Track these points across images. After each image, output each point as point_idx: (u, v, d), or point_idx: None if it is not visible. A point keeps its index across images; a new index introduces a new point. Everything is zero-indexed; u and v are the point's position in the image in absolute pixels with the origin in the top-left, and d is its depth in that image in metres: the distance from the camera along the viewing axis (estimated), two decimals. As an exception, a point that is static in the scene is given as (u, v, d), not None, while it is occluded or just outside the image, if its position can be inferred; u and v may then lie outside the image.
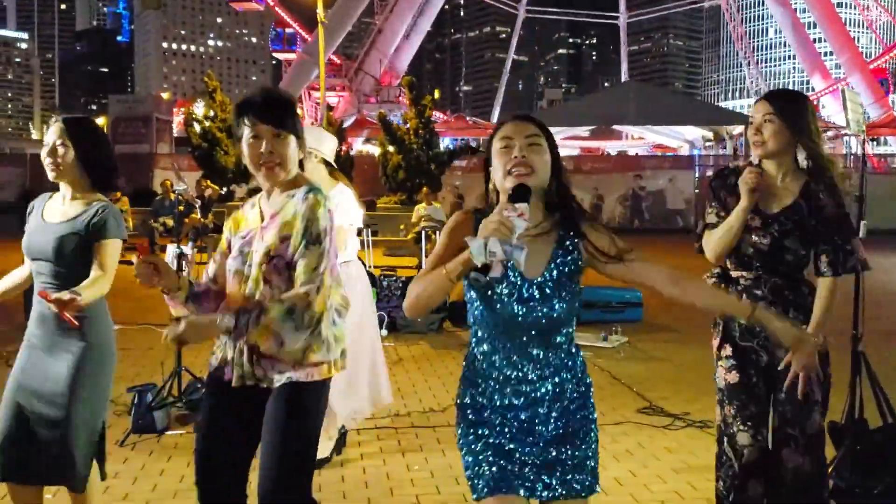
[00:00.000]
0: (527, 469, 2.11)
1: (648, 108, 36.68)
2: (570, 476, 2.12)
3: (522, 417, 2.12)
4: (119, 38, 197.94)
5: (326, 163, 4.24)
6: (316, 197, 2.38)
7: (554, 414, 2.13)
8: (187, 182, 9.76)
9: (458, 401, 2.22)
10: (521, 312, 2.07)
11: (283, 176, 2.42)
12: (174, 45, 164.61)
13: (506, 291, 2.07)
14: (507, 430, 2.12)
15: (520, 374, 2.11)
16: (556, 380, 2.13)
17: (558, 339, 2.13)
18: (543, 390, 2.11)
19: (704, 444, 4.52)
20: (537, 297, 2.07)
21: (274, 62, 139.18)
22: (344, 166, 20.40)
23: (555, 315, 2.08)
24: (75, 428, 2.88)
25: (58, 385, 2.85)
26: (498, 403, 2.13)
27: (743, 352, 2.85)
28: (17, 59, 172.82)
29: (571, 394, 2.16)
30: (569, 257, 2.10)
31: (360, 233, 4.64)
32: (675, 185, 27.49)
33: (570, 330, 2.18)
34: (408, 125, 23.14)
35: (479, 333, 2.16)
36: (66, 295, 2.66)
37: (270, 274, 2.37)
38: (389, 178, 23.12)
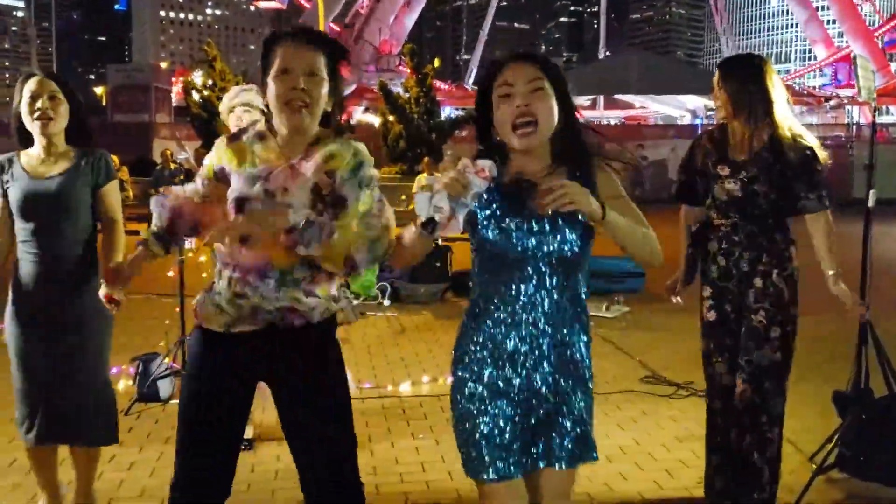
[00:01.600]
0: (524, 439, 2.01)
1: (650, 76, 36.44)
2: (568, 441, 2.02)
3: (523, 375, 2.00)
4: (116, 6, 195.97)
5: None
6: (360, 146, 2.17)
7: (554, 370, 2.01)
8: (189, 151, 9.70)
9: (455, 369, 2.11)
10: (532, 245, 1.95)
11: (308, 123, 2.09)
12: (171, 14, 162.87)
13: (513, 225, 1.95)
14: (507, 397, 2.01)
15: (528, 319, 1.98)
16: (564, 330, 2.01)
17: (571, 281, 1.99)
18: (549, 340, 2.00)
19: (696, 408, 4.53)
20: (548, 229, 1.94)
21: (272, 30, 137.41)
22: (344, 131, 20.18)
23: (567, 248, 1.94)
24: (85, 385, 2.93)
25: (63, 346, 2.88)
26: (498, 358, 2.01)
27: (720, 291, 3.12)
28: (14, 28, 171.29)
29: (576, 350, 2.04)
30: None
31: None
32: (677, 154, 27.26)
33: (581, 277, 2.03)
34: (409, 94, 22.97)
35: (481, 268, 2.05)
36: (114, 273, 2.58)
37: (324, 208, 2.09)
38: (390, 147, 23.01)
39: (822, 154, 2.99)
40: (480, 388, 2.02)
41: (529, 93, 1.91)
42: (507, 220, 1.96)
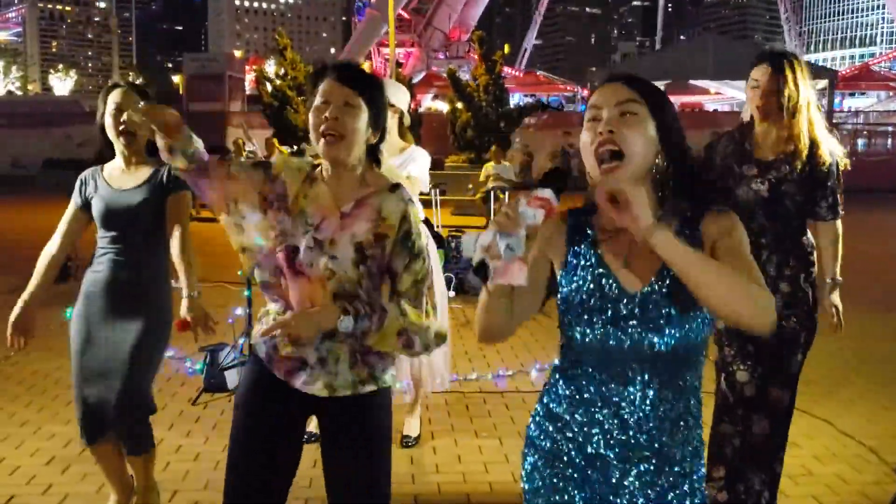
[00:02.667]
0: None
1: (727, 61, 35.36)
2: None
3: (611, 477, 1.60)
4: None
5: (400, 119, 4.03)
6: (414, 208, 2.13)
7: (647, 479, 1.59)
8: (256, 143, 9.82)
9: (531, 437, 1.71)
10: (615, 337, 1.54)
11: (344, 155, 2.06)
12: (246, 3, 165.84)
13: (596, 305, 1.55)
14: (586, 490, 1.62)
15: (615, 419, 1.57)
16: (664, 439, 1.57)
17: (676, 379, 1.56)
18: (643, 448, 1.57)
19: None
20: (639, 316, 1.53)
21: (344, 18, 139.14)
22: (413, 124, 20.13)
23: (664, 344, 1.52)
24: (137, 392, 2.97)
25: (121, 352, 2.93)
26: (584, 451, 1.61)
27: None
28: (97, 19, 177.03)
29: (677, 463, 1.60)
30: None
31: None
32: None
33: (694, 374, 1.59)
34: (477, 81, 22.83)
35: (566, 355, 1.65)
36: (204, 320, 2.90)
37: (363, 277, 2.07)
38: (458, 136, 22.91)
39: (845, 161, 2.97)
40: (566, 463, 1.64)
41: (618, 117, 1.55)
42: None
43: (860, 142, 26.81)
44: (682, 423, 1.59)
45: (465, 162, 22.54)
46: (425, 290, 2.11)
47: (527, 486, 1.67)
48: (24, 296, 2.91)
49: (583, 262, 1.61)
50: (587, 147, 1.59)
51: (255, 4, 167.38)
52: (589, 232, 1.65)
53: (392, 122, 3.90)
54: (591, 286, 1.58)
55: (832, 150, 2.92)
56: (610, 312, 1.55)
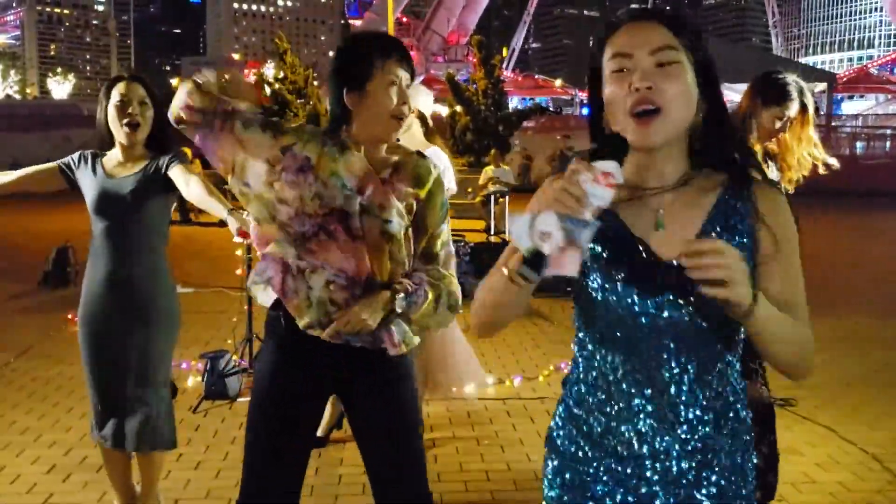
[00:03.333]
0: None
1: (725, 64, 35.40)
2: None
3: (649, 476, 1.38)
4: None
5: (422, 121, 4.04)
6: (438, 170, 2.19)
7: (691, 478, 1.37)
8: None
9: (552, 440, 1.50)
10: (646, 311, 1.32)
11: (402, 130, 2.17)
12: (244, 6, 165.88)
13: (622, 275, 1.33)
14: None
15: (648, 407, 1.35)
16: (706, 430, 1.36)
17: (712, 363, 1.35)
18: (681, 444, 1.36)
19: (785, 423, 4.34)
20: (676, 286, 1.28)
21: (342, 21, 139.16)
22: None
23: (702, 320, 1.31)
24: (153, 390, 2.96)
25: (133, 351, 2.92)
26: (615, 452, 1.39)
27: None
28: (95, 22, 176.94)
29: (723, 457, 1.38)
30: (732, 235, 1.32)
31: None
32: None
33: (734, 355, 1.39)
34: (476, 85, 22.86)
35: (588, 338, 1.42)
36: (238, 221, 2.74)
37: (407, 240, 2.13)
38: (457, 139, 22.94)
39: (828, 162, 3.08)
40: (591, 468, 1.43)
41: (654, 67, 1.30)
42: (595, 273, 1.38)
43: (859, 145, 26.78)
44: (729, 413, 1.39)
45: (464, 165, 22.55)
46: (452, 251, 2.23)
47: (550, 494, 1.49)
48: None
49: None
50: (618, 103, 1.31)
51: (254, 7, 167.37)
52: None
53: (415, 126, 3.97)
54: (613, 254, 1.35)
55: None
56: (640, 283, 1.32)
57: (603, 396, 1.40)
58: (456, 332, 4.28)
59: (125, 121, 2.86)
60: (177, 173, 2.89)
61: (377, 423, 2.19)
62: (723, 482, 1.38)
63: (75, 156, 3.01)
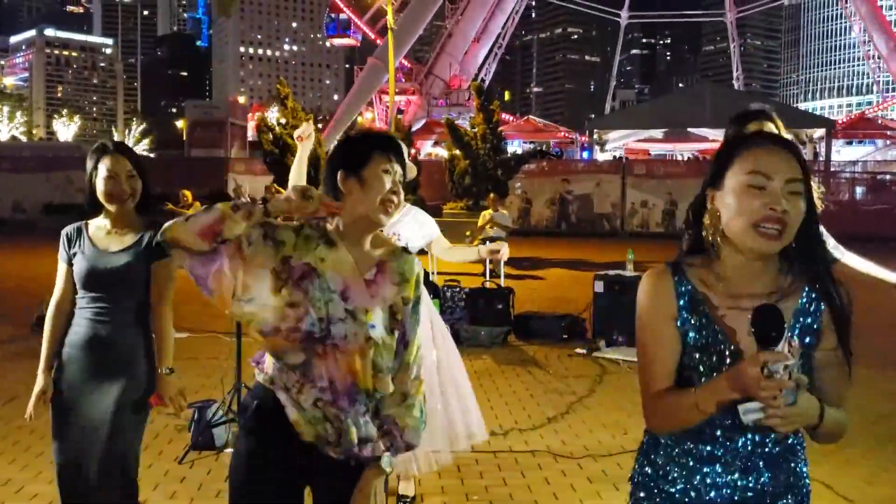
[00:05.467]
0: None
1: (725, 109, 35.74)
2: None
3: None
4: (198, 42, 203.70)
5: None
6: (420, 270, 2.18)
7: None
8: (247, 198, 9.85)
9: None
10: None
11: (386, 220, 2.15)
12: (251, 50, 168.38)
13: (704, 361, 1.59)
14: None
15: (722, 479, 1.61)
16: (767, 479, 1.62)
17: (781, 449, 1.62)
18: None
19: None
20: None
21: (347, 65, 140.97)
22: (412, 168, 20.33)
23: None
24: (120, 457, 2.89)
25: (104, 416, 2.85)
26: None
27: None
28: (102, 64, 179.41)
29: None
30: (809, 320, 1.59)
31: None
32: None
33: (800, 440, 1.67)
34: (475, 130, 23.02)
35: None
36: (177, 400, 2.90)
37: (393, 343, 2.11)
38: (456, 183, 23.03)
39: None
40: None
41: (787, 195, 1.54)
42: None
43: (859, 190, 26.87)
44: (788, 463, 1.64)
45: (463, 209, 22.60)
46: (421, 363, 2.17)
47: None
48: (42, 365, 2.91)
49: (695, 328, 1.60)
50: (749, 213, 1.54)
51: (260, 52, 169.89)
52: (697, 292, 1.62)
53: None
54: (707, 357, 1.59)
55: None
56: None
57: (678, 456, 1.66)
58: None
59: (115, 195, 2.89)
60: (156, 274, 2.94)
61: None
62: None
63: (62, 242, 2.99)
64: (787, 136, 2.98)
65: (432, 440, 3.92)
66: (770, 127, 2.89)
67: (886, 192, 26.27)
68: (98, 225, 2.98)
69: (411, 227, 3.99)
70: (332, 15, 57.63)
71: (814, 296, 1.59)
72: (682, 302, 1.60)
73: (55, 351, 2.93)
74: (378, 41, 53.19)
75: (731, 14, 70.37)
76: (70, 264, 2.96)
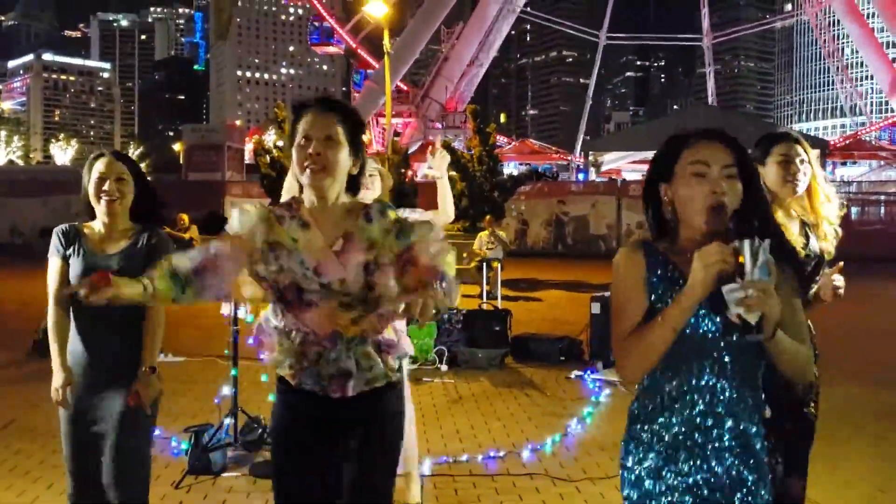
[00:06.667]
0: None
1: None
2: None
3: (704, 467, 1.85)
4: (196, 66, 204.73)
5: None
6: (393, 210, 2.28)
7: (738, 462, 1.86)
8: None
9: (625, 464, 2.00)
10: (713, 329, 1.82)
11: (329, 183, 2.22)
12: (248, 73, 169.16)
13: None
14: (691, 493, 1.86)
15: (708, 409, 1.85)
16: (743, 423, 1.86)
17: (751, 370, 1.87)
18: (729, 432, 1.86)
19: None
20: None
21: (344, 88, 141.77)
22: (409, 193, 20.48)
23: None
24: (129, 470, 2.91)
25: (112, 428, 2.88)
26: (675, 449, 1.87)
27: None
28: (100, 88, 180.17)
29: (757, 444, 1.88)
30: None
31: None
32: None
33: (761, 366, 1.90)
34: (472, 152, 23.16)
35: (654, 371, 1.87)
36: (145, 389, 2.87)
37: (377, 281, 2.23)
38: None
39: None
40: (660, 484, 1.88)
41: (724, 178, 1.85)
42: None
43: (853, 210, 26.98)
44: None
45: (459, 230, 22.66)
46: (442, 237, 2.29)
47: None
48: (58, 361, 2.94)
49: (663, 279, 1.87)
50: (697, 197, 1.85)
51: (257, 75, 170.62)
52: (665, 257, 1.90)
53: (378, 187, 4.06)
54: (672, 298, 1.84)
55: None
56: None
57: (667, 398, 1.89)
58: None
59: (103, 197, 2.91)
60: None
61: (360, 459, 2.36)
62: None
63: (56, 239, 2.99)
64: (812, 154, 2.99)
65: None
66: (797, 149, 2.95)
67: (881, 212, 26.37)
68: (92, 227, 3.00)
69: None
70: (316, 23, 58.11)
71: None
72: (651, 262, 1.88)
73: (65, 350, 2.95)
74: (375, 65, 53.50)
75: (707, 39, 71.05)
76: (65, 260, 2.95)
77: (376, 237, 2.23)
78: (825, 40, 72.81)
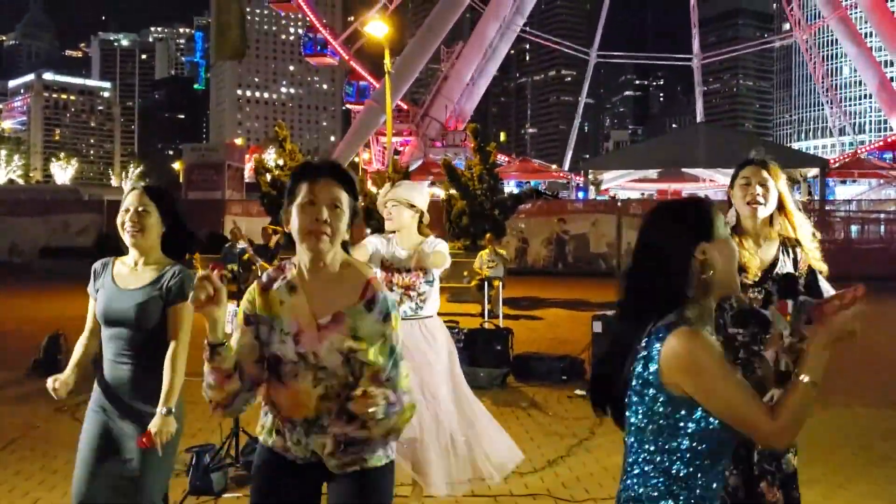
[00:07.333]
0: None
1: (718, 150, 36.06)
2: None
3: None
4: (196, 86, 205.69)
5: (420, 215, 4.23)
6: (397, 315, 2.24)
7: None
8: (246, 243, 9.87)
9: None
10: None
11: (327, 250, 2.20)
12: (248, 93, 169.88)
13: None
14: None
15: None
16: None
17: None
18: None
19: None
20: None
21: (344, 108, 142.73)
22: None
23: None
24: (148, 495, 2.91)
25: (131, 454, 2.88)
26: None
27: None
28: (100, 108, 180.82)
29: None
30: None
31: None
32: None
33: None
34: (472, 171, 23.19)
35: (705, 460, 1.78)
36: (160, 428, 2.84)
37: (350, 370, 2.21)
38: (453, 223, 23.12)
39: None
40: None
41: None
42: None
43: (853, 229, 26.98)
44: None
45: (460, 249, 22.64)
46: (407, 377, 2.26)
47: None
48: (71, 362, 3.01)
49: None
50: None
51: (257, 94, 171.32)
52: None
53: (413, 221, 4.17)
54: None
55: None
56: None
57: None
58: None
59: (129, 225, 2.95)
60: (171, 317, 2.96)
61: None
62: None
63: (92, 274, 3.05)
64: (781, 177, 3.11)
65: (461, 470, 3.98)
66: (762, 173, 3.08)
67: (881, 230, 26.41)
68: (124, 261, 3.03)
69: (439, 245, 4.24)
70: (310, 35, 58.30)
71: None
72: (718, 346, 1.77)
73: (82, 363, 3.02)
74: (376, 84, 53.72)
75: (696, 60, 71.57)
76: (95, 298, 3.01)
77: (364, 333, 2.19)
78: (815, 63, 73.35)
